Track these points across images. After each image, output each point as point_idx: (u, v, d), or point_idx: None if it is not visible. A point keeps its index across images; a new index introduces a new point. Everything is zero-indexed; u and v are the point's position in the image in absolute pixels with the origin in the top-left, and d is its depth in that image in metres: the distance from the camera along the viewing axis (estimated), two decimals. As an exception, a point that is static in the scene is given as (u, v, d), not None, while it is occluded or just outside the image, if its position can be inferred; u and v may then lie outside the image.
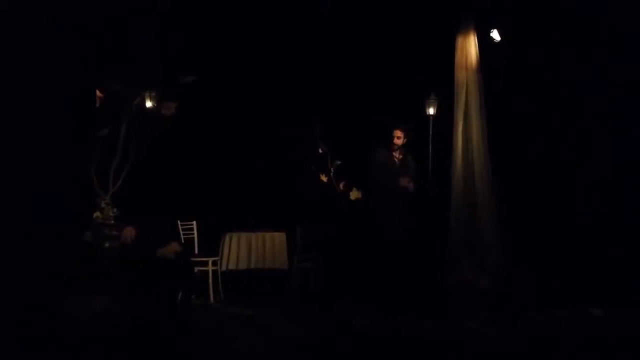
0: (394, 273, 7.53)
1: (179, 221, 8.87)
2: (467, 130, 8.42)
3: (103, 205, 8.24)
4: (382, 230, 7.87)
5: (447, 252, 8.09)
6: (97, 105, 8.15)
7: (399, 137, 8.12)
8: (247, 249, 8.80)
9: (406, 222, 7.93)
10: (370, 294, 7.43)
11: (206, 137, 9.31)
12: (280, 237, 9.05)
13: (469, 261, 8.02)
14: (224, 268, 8.76)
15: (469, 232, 8.15)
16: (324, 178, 9.09)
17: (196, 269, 8.23)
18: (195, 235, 9.01)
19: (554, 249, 7.80)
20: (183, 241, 8.58)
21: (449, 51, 8.38)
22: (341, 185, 9.09)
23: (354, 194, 9.02)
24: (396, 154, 8.15)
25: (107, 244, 7.74)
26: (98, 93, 8.16)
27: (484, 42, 8.36)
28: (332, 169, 9.11)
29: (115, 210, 8.25)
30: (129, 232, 7.40)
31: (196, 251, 8.87)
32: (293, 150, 9.35)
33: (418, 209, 8.17)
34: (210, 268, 8.63)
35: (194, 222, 9.03)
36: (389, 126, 8.19)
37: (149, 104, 8.48)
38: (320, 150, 9.08)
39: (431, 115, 8.44)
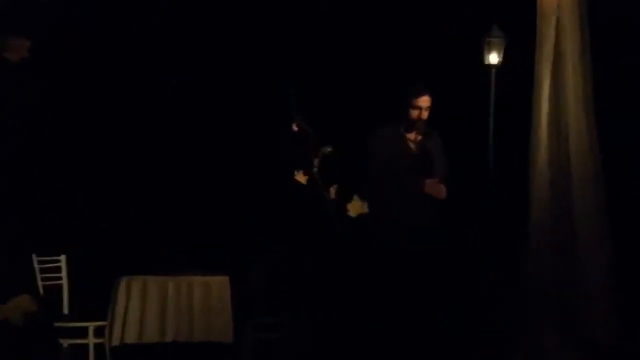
0: (420, 338, 6.18)
1: (35, 256, 7.30)
2: (559, 93, 6.54)
3: None
4: (396, 269, 6.20)
5: (517, 294, 6.55)
6: None
7: (425, 108, 6.26)
8: (159, 306, 7.05)
9: (437, 250, 6.34)
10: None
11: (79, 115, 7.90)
12: (219, 285, 7.20)
13: (555, 307, 6.43)
14: (116, 342, 6.99)
15: (557, 260, 6.50)
16: (301, 178, 6.84)
17: (65, 342, 6.98)
18: (65, 281, 7.32)
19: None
20: (41, 292, 7.22)
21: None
22: (332, 191, 6.78)
23: (355, 207, 6.82)
24: (412, 137, 6.37)
25: None
26: None
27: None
28: (316, 161, 6.73)
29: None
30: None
31: (65, 310, 7.31)
32: (249, 130, 7.77)
33: (462, 228, 7.10)
34: (91, 341, 7.04)
35: (63, 258, 7.33)
36: (406, 89, 6.40)
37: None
38: (295, 128, 6.73)
39: (493, 65, 7.05)
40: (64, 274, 7.28)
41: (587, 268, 6.45)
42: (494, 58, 7.02)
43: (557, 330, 6.43)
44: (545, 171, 6.55)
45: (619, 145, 6.83)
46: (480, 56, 7.12)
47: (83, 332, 7.06)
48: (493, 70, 7.07)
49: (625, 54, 6.95)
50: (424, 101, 6.16)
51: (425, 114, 6.20)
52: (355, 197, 6.86)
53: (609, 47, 6.90)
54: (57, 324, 6.93)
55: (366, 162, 6.43)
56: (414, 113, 6.18)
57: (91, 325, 7.04)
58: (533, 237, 6.54)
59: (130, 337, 6.98)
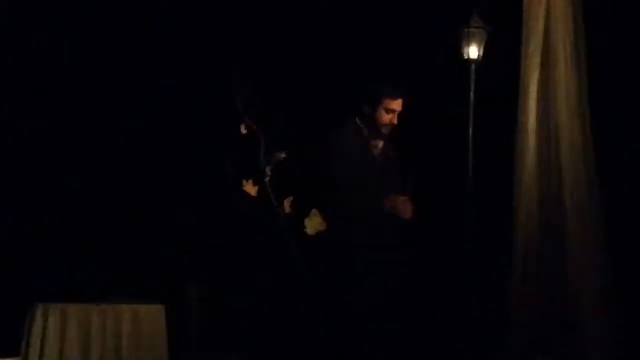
0: None
1: None
2: (549, 90, 6.13)
3: None
4: (359, 293, 5.76)
5: (499, 327, 6.13)
6: None
7: (397, 112, 5.78)
8: (81, 339, 6.40)
9: (402, 273, 5.90)
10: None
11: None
12: (152, 315, 6.60)
13: (546, 321, 6.10)
14: (30, 385, 6.85)
15: (547, 270, 6.12)
16: (250, 189, 6.11)
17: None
18: (-28, 310, 6.92)
19: None
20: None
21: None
22: (286, 204, 6.12)
23: (313, 223, 6.04)
24: (375, 144, 5.96)
25: None
26: None
27: None
28: (267, 169, 6.10)
29: None
30: None
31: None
32: (187, 130, 7.27)
33: (436, 250, 6.64)
34: (2, 383, 6.78)
35: (-32, 282, 6.86)
36: (379, 88, 5.88)
37: None
38: (243, 131, 6.08)
39: (472, 60, 6.45)
40: (-31, 300, 6.75)
41: (580, 278, 6.00)
42: (473, 52, 6.33)
43: (548, 346, 6.00)
44: (533, 176, 6.09)
45: (618, 147, 6.38)
46: (458, 48, 6.43)
47: (-9, 372, 6.56)
48: (473, 66, 6.39)
49: (623, 53, 6.50)
50: (399, 104, 5.64)
51: (393, 119, 5.66)
52: (314, 212, 5.98)
53: (607, 47, 6.44)
54: (-41, 361, 6.35)
55: (329, 167, 5.75)
56: (386, 117, 5.62)
57: (2, 363, 6.58)
58: (520, 247, 6.07)
59: (46, 378, 6.73)
